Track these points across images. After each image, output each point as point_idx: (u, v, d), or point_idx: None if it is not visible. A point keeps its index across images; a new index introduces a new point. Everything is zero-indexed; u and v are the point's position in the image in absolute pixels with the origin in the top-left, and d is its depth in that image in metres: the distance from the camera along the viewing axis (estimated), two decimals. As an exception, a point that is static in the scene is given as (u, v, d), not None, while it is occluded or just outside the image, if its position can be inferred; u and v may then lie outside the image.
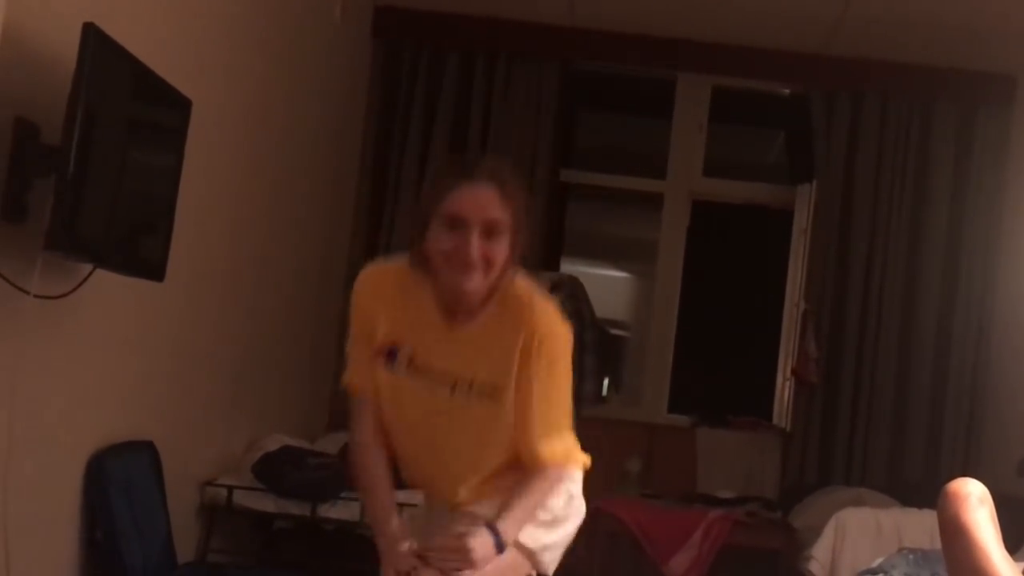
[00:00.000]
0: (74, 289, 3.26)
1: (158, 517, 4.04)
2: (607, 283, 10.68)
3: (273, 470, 4.77)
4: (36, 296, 3.05)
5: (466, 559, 2.71)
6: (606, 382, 9.98)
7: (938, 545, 2.93)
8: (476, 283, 2.67)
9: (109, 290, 3.56)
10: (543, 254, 6.78)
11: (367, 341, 2.91)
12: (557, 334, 2.75)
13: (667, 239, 7.03)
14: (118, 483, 3.76)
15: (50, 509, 3.54)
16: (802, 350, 6.58)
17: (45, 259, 3.03)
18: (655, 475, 6.55)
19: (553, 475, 2.86)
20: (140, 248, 3.56)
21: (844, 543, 5.15)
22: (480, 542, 2.73)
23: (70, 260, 3.19)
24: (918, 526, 4.95)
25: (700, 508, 5.91)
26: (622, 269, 11.48)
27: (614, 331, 10.69)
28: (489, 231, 2.66)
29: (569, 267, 7.94)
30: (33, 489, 3.39)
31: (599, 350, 6.59)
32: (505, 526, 2.75)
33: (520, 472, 2.84)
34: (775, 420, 7.01)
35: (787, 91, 7.10)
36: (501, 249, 2.68)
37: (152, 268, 3.61)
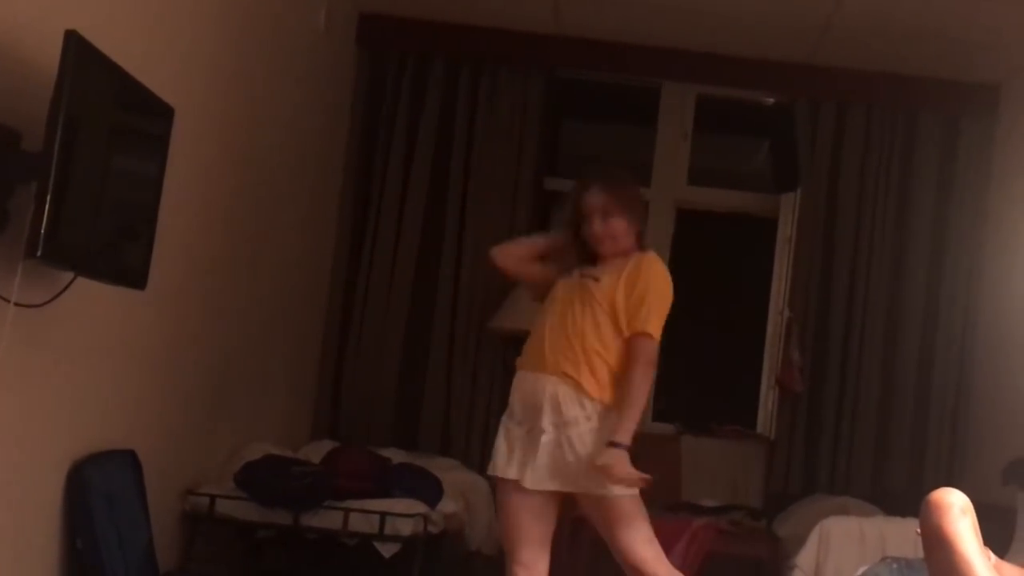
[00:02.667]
0: (55, 297, 3.24)
1: (140, 526, 4.03)
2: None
3: (256, 479, 4.75)
4: (16, 304, 3.04)
5: (612, 478, 3.78)
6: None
7: (922, 554, 2.93)
8: (609, 248, 4.04)
9: (90, 298, 3.55)
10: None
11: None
12: (658, 266, 4.06)
13: (652, 247, 7.00)
14: (99, 492, 3.74)
15: (31, 518, 3.52)
16: (786, 358, 6.58)
17: (26, 267, 3.02)
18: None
19: (644, 356, 3.89)
20: (122, 256, 3.54)
21: (828, 552, 5.15)
22: (614, 461, 3.77)
23: (51, 268, 3.17)
24: (902, 535, 4.95)
25: (684, 517, 5.91)
26: (607, 277, 11.46)
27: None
28: (605, 216, 4.01)
29: (554, 275, 7.92)
30: (14, 498, 3.38)
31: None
32: (621, 437, 3.81)
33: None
34: (759, 428, 7.01)
35: (771, 100, 7.11)
36: (619, 227, 4.03)
37: (134, 276, 3.59)
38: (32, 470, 3.48)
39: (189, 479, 4.75)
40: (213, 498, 4.70)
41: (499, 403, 6.54)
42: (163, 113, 3.64)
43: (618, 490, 3.84)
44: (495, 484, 4.12)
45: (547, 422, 3.87)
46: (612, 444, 3.78)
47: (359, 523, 4.72)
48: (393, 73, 6.74)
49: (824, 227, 6.68)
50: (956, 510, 2.78)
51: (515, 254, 4.30)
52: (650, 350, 3.92)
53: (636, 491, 3.90)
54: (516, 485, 3.91)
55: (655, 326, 3.95)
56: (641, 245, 4.11)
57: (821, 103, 6.73)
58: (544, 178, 6.94)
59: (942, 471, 6.38)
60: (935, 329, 6.58)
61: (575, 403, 3.88)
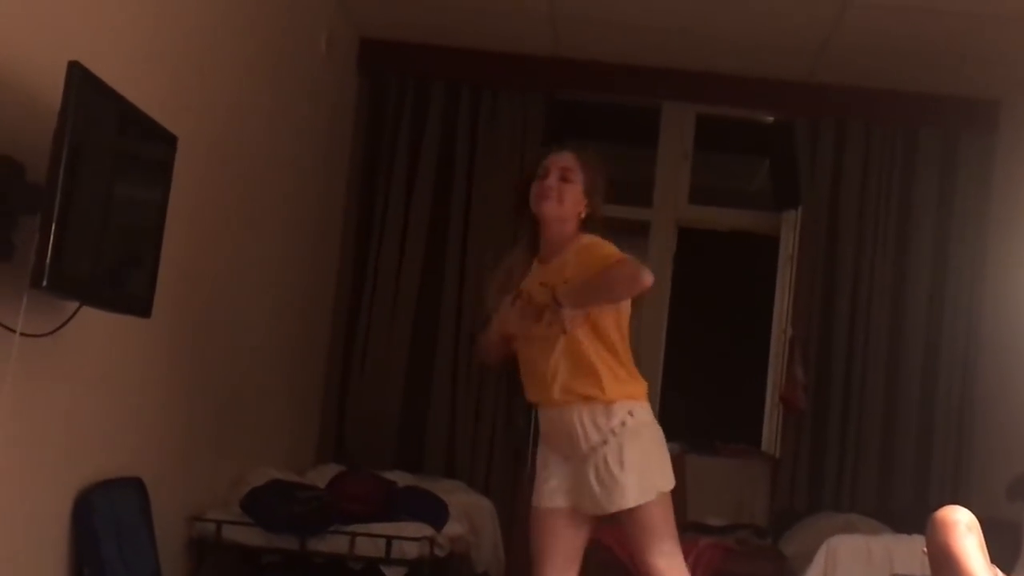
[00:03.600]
0: (60, 327, 3.25)
1: (146, 553, 4.02)
2: (595, 311, 10.66)
3: (261, 504, 4.75)
4: (22, 334, 3.05)
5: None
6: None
7: (929, 572, 2.93)
8: (552, 208, 3.76)
9: (95, 327, 3.56)
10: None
11: None
12: (605, 244, 3.71)
13: (653, 266, 7.01)
14: (106, 520, 3.75)
15: (38, 546, 3.52)
16: (790, 376, 6.59)
17: (31, 297, 3.02)
18: (645, 503, 6.52)
19: (621, 268, 3.61)
20: (126, 285, 3.55)
21: (835, 570, 5.14)
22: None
23: (56, 298, 3.18)
24: (909, 552, 4.95)
25: (690, 536, 5.89)
26: (610, 297, 11.46)
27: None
28: (563, 177, 3.76)
29: (556, 296, 7.93)
30: (21, 526, 3.38)
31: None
32: (565, 298, 3.63)
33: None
34: (764, 447, 7.01)
35: (771, 118, 7.13)
36: (572, 191, 3.76)
37: (138, 304, 3.60)
38: (39, 498, 3.49)
39: (195, 505, 4.75)
40: (219, 524, 4.70)
41: (503, 425, 6.56)
42: (166, 141, 3.65)
43: (640, 497, 3.70)
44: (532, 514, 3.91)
45: (585, 447, 3.74)
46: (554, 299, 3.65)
47: (365, 547, 4.72)
48: (394, 97, 6.77)
49: (826, 244, 6.69)
50: (962, 527, 2.79)
51: (491, 350, 4.02)
52: (632, 274, 3.62)
53: (663, 498, 3.77)
54: (564, 513, 3.81)
55: (634, 263, 3.68)
56: (592, 227, 3.84)
57: (821, 121, 6.75)
58: (545, 200, 6.95)
59: (947, 488, 6.37)
60: (938, 345, 6.58)
61: (601, 417, 3.74)
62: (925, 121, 6.69)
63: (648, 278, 3.58)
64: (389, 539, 4.72)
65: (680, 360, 7.40)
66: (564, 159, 3.81)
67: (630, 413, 3.75)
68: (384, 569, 4.75)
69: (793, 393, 6.54)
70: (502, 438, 6.59)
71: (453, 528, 5.17)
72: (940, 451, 6.50)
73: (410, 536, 4.76)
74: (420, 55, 6.73)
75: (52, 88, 2.99)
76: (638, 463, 3.70)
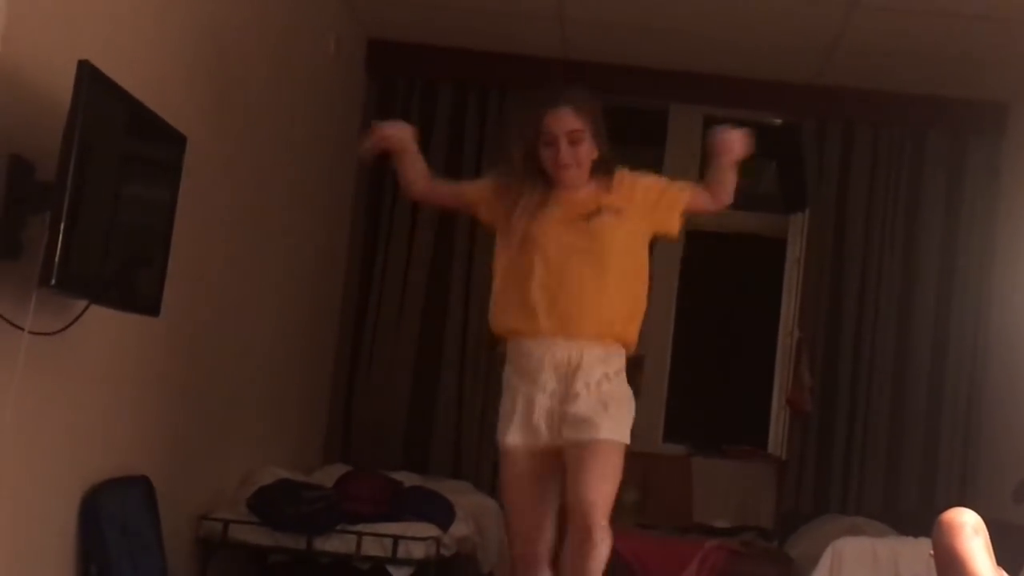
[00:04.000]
0: (69, 325, 3.26)
1: (153, 552, 4.03)
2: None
3: (268, 503, 4.76)
4: (31, 333, 3.06)
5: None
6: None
7: (935, 574, 2.93)
8: (572, 176, 3.81)
9: (104, 326, 3.57)
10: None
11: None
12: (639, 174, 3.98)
13: (661, 269, 7.03)
14: (113, 518, 3.75)
15: (45, 545, 3.53)
16: (796, 379, 6.59)
17: (40, 296, 3.03)
18: (651, 505, 6.54)
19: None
20: (135, 284, 3.56)
21: (841, 572, 5.14)
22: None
23: (65, 296, 3.19)
24: (915, 555, 4.95)
25: (696, 538, 5.91)
26: (616, 299, 11.46)
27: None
28: (572, 140, 3.76)
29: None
30: (28, 524, 3.39)
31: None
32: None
33: None
34: (770, 449, 7.01)
35: (779, 121, 7.12)
36: (584, 149, 3.80)
37: (147, 303, 3.61)
38: (46, 497, 3.50)
39: (202, 504, 4.76)
40: (226, 523, 4.70)
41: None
42: (175, 141, 3.66)
43: (605, 433, 3.66)
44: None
45: (580, 385, 3.72)
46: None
47: (372, 547, 4.73)
48: (402, 98, 6.78)
49: (833, 247, 6.69)
50: (969, 529, 2.79)
51: (413, 184, 4.16)
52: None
53: (624, 440, 3.73)
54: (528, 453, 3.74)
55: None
56: (606, 165, 3.90)
57: (828, 123, 6.75)
58: (553, 201, 6.97)
59: (954, 490, 6.36)
60: (945, 348, 6.57)
61: (603, 362, 3.76)
62: (933, 124, 6.69)
63: None
64: (395, 539, 4.72)
65: (687, 362, 7.39)
66: (566, 119, 3.78)
67: (622, 366, 3.83)
68: (390, 569, 4.76)
69: (800, 395, 6.54)
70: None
71: (459, 528, 5.18)
72: (947, 454, 6.50)
73: (416, 536, 4.76)
74: (428, 56, 6.74)
75: (62, 87, 3.00)
76: (625, 407, 3.78)
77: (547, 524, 3.79)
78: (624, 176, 3.91)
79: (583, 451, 3.64)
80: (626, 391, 3.81)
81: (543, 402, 3.73)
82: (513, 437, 3.76)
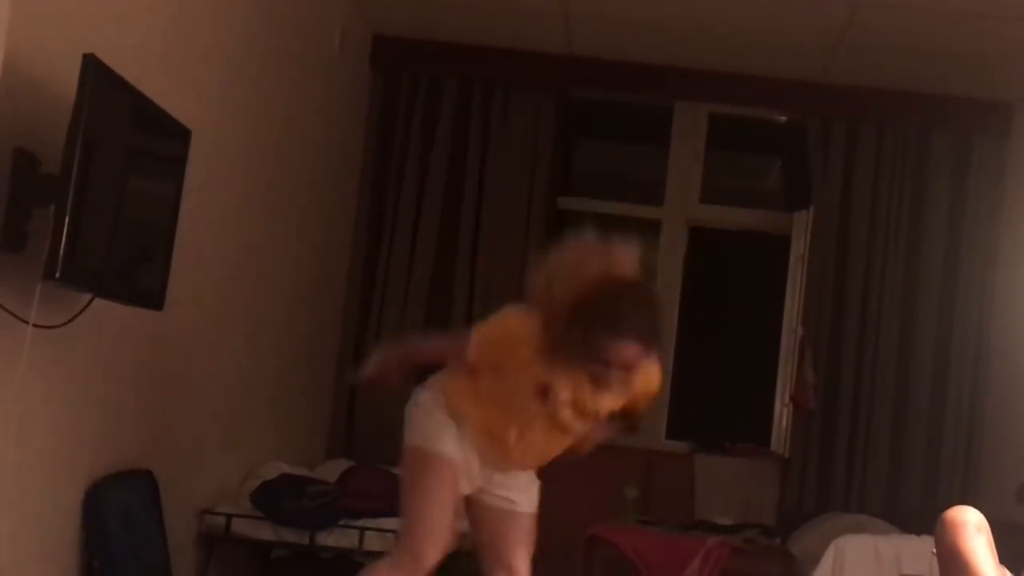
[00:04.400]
0: (73, 318, 3.26)
1: (156, 546, 4.04)
2: (605, 309, 10.66)
3: (271, 498, 4.76)
4: (35, 325, 3.06)
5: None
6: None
7: (937, 572, 2.93)
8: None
9: (108, 319, 3.57)
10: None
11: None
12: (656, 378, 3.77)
13: (665, 265, 7.04)
14: (116, 512, 3.76)
15: (48, 538, 3.54)
16: (800, 376, 6.58)
17: (44, 289, 3.04)
18: (653, 502, 6.53)
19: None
20: (139, 277, 3.57)
21: (843, 570, 5.14)
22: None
23: (69, 290, 3.19)
24: (917, 553, 4.95)
25: (699, 535, 5.90)
26: (620, 295, 11.46)
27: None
28: (628, 370, 3.49)
29: (567, 294, 7.93)
30: (32, 518, 3.40)
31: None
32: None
33: None
34: (773, 446, 7.00)
35: (784, 118, 7.12)
36: (634, 376, 3.58)
37: (151, 297, 3.62)
38: (50, 490, 3.50)
39: (205, 499, 4.77)
40: (229, 518, 4.71)
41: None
42: (180, 135, 3.67)
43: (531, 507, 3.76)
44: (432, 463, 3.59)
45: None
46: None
47: (374, 542, 4.73)
48: (407, 94, 6.77)
49: (837, 245, 6.68)
50: (971, 528, 2.79)
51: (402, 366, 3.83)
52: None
53: None
54: (457, 482, 3.62)
55: None
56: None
57: (833, 121, 6.74)
58: (557, 197, 6.98)
59: (957, 488, 6.36)
60: (949, 346, 6.57)
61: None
62: (937, 122, 6.68)
63: None
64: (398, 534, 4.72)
65: (690, 359, 7.40)
66: (632, 353, 3.46)
67: None
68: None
69: (803, 393, 6.53)
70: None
71: (461, 524, 5.18)
72: (949, 452, 6.49)
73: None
74: (433, 52, 6.74)
75: (67, 81, 3.01)
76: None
77: (444, 549, 3.61)
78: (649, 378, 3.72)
79: (522, 519, 3.75)
80: None
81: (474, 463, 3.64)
82: (451, 448, 3.56)
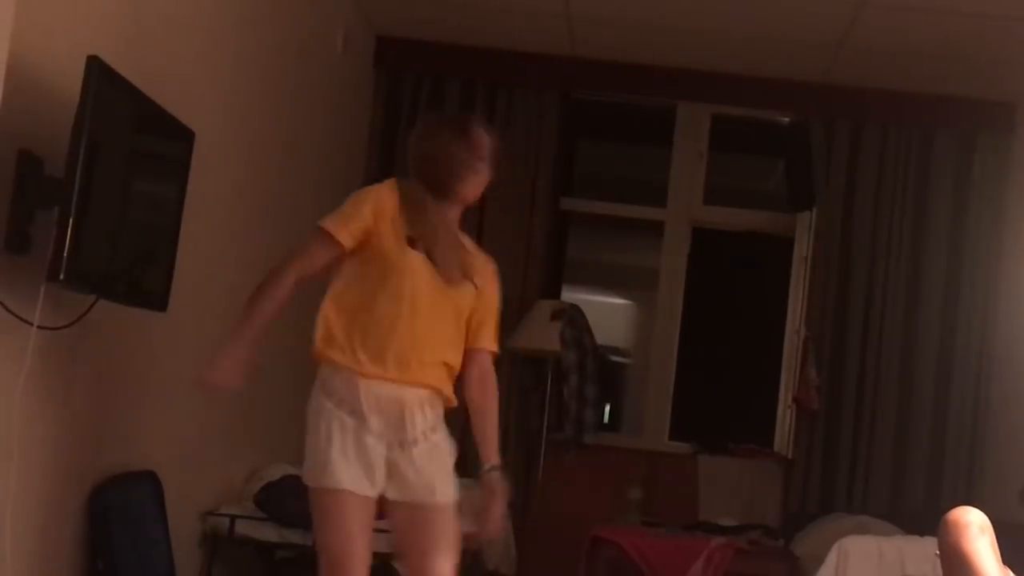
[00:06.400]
0: (77, 320, 3.27)
1: (160, 547, 4.04)
2: (608, 310, 10.68)
3: (275, 499, 4.76)
4: (39, 327, 3.07)
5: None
6: (607, 410, 9.99)
7: (941, 573, 2.93)
8: (466, 205, 3.65)
9: (111, 321, 3.58)
10: (544, 282, 6.79)
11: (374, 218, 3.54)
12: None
13: (668, 266, 7.05)
14: (119, 513, 3.76)
15: (52, 539, 3.54)
16: (803, 377, 6.58)
17: (48, 290, 3.05)
18: (656, 502, 6.54)
19: (494, 377, 3.72)
20: (143, 279, 3.57)
21: (847, 571, 5.14)
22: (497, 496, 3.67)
23: (73, 291, 3.20)
24: (921, 554, 4.94)
25: (702, 536, 5.90)
26: (623, 296, 11.49)
27: (615, 358, 10.70)
28: (493, 169, 3.60)
29: (570, 295, 7.95)
30: (35, 519, 3.40)
31: (600, 378, 6.60)
32: (496, 456, 3.70)
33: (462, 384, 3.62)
34: (777, 447, 7.01)
35: (787, 119, 7.12)
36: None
37: (155, 299, 3.62)
38: (53, 491, 3.50)
39: (209, 500, 4.77)
40: (233, 519, 4.71)
41: (515, 423, 6.57)
42: (184, 137, 3.67)
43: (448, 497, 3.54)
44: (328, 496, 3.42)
45: (419, 432, 3.50)
46: (493, 468, 3.67)
47: (377, 543, 4.70)
48: (410, 95, 6.78)
49: (840, 246, 6.68)
50: (975, 529, 2.79)
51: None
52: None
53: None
54: (365, 500, 3.43)
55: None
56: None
57: (836, 122, 6.74)
58: (560, 198, 6.98)
59: (960, 489, 6.36)
60: (952, 347, 6.57)
61: (436, 413, 3.58)
62: (941, 123, 6.68)
63: None
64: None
65: (693, 360, 7.40)
66: (495, 147, 3.62)
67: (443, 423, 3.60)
68: (396, 566, 4.76)
69: (806, 394, 6.53)
70: (514, 436, 6.59)
71: (464, 526, 5.17)
72: (953, 453, 6.49)
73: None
74: (436, 53, 6.75)
75: (71, 82, 3.01)
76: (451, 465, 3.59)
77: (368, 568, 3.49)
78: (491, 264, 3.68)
79: (441, 516, 3.55)
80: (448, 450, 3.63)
81: (374, 445, 3.43)
82: (342, 470, 3.38)
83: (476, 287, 3.57)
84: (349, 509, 3.39)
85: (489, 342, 3.65)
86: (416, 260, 3.46)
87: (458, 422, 6.62)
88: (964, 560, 2.76)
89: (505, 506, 3.51)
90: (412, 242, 3.48)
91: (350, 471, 3.38)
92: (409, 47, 6.74)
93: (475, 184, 3.60)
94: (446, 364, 3.54)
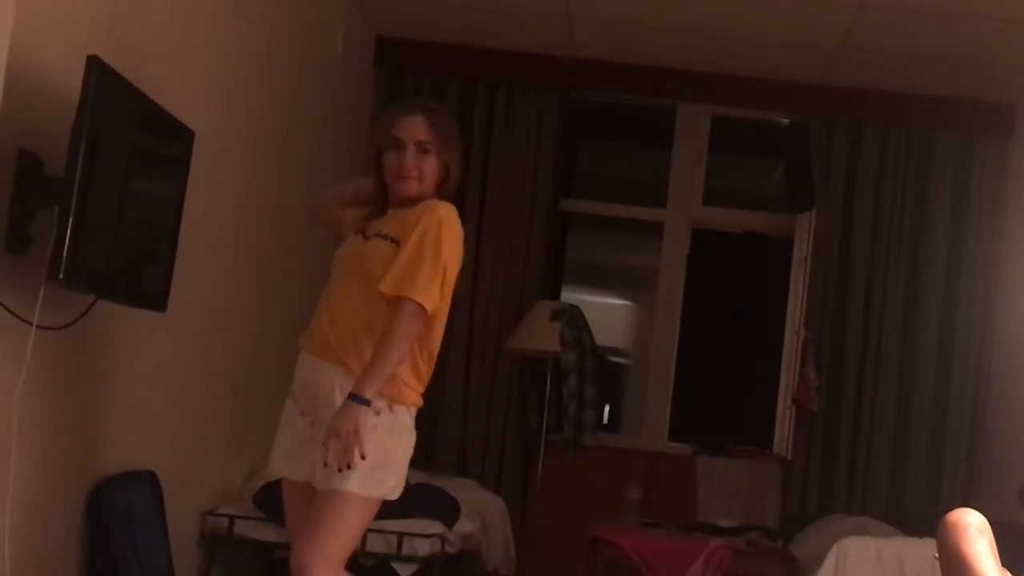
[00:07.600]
0: (76, 320, 3.27)
1: (159, 547, 4.04)
2: (607, 311, 10.70)
3: (274, 499, 4.75)
4: (38, 327, 3.07)
5: (341, 444, 3.17)
6: (606, 410, 9.99)
7: (939, 575, 2.93)
8: (412, 189, 3.45)
9: (111, 320, 3.58)
10: (544, 283, 6.79)
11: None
12: (438, 215, 3.41)
13: (667, 267, 7.05)
14: (119, 513, 3.77)
15: (51, 538, 3.54)
16: (803, 378, 6.59)
17: (47, 290, 3.05)
18: (656, 503, 6.54)
19: (407, 321, 3.28)
20: (142, 279, 3.58)
21: (846, 572, 5.13)
22: (342, 419, 3.18)
23: (72, 291, 3.20)
24: (920, 555, 4.94)
25: (701, 537, 5.90)
26: (622, 297, 11.50)
27: (615, 359, 10.72)
28: (421, 150, 3.42)
29: (570, 295, 7.96)
30: (35, 518, 3.40)
31: (599, 378, 6.61)
32: (361, 387, 3.21)
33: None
34: (776, 448, 7.01)
35: (786, 120, 7.12)
36: (430, 165, 3.46)
37: (154, 299, 3.62)
38: (53, 491, 3.51)
39: (208, 500, 4.77)
40: (232, 519, 4.71)
41: (515, 423, 6.57)
42: (184, 137, 3.67)
43: (352, 486, 3.22)
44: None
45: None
46: (352, 396, 3.20)
47: (376, 543, 4.73)
48: (410, 95, 6.77)
49: (840, 247, 6.68)
50: (974, 530, 2.79)
51: (326, 203, 3.85)
52: (416, 319, 3.29)
53: (368, 504, 3.30)
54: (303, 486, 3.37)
55: (425, 293, 3.31)
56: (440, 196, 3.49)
57: (836, 123, 6.74)
58: (559, 199, 6.98)
59: (959, 491, 6.36)
60: (951, 348, 6.57)
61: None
62: (941, 124, 6.68)
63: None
64: (400, 536, 4.73)
65: (693, 361, 7.40)
66: (418, 129, 3.42)
67: (389, 408, 3.37)
68: (395, 566, 4.76)
69: (805, 395, 6.54)
70: (514, 436, 6.59)
71: (464, 526, 5.18)
72: (952, 454, 6.50)
73: (421, 533, 4.77)
74: (436, 53, 6.75)
75: (71, 82, 3.02)
76: (372, 455, 3.25)
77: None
78: (432, 210, 3.42)
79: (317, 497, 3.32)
80: (383, 438, 3.37)
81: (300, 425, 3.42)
82: (276, 461, 3.51)
83: (392, 240, 3.38)
84: (287, 498, 3.59)
85: (386, 284, 3.30)
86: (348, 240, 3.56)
87: (457, 422, 6.66)
88: (963, 561, 2.76)
89: (334, 435, 3.17)
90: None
91: (279, 458, 3.58)
92: (409, 47, 6.74)
93: (395, 161, 3.45)
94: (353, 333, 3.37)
